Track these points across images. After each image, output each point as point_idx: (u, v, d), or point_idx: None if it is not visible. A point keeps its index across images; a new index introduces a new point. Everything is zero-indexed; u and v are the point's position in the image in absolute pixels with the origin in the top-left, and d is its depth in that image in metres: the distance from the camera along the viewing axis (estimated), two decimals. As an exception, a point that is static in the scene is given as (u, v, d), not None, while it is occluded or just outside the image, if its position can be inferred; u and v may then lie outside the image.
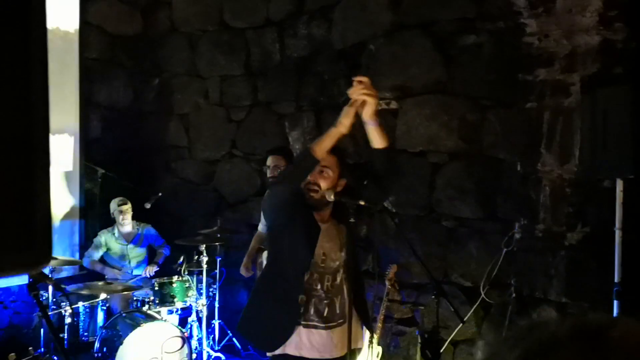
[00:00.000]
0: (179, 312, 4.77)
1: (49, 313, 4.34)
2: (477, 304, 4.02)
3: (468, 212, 4.32)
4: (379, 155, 2.55)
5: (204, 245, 4.72)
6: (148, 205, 5.33)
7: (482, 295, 3.99)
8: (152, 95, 6.26)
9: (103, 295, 4.47)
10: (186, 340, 4.33)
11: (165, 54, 6.19)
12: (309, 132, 5.20)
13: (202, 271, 4.73)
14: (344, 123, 2.41)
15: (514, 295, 3.91)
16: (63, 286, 4.73)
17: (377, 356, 4.11)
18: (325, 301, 2.62)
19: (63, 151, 5.56)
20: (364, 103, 2.43)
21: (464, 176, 4.37)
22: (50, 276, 2.27)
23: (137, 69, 6.18)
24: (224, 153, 5.87)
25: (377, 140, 2.51)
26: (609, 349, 0.54)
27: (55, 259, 4.52)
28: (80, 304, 4.46)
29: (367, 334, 3.19)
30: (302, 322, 2.59)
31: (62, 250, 5.39)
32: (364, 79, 2.42)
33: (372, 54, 4.81)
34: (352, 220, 2.44)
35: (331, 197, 2.53)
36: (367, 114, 2.45)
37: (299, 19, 5.32)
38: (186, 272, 4.76)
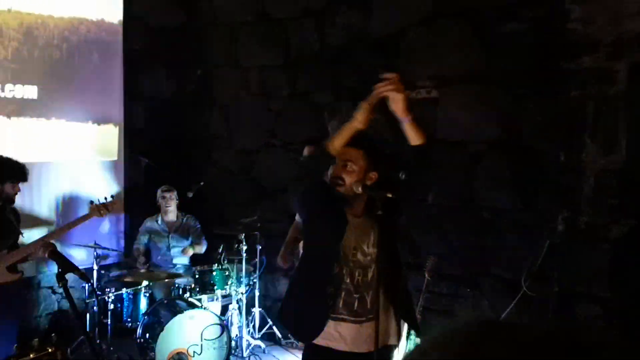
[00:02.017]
0: (220, 300, 4.85)
1: (93, 299, 4.50)
2: (518, 297, 3.95)
3: (507, 203, 4.25)
4: (415, 152, 2.53)
5: (244, 234, 4.78)
6: (190, 194, 5.42)
7: (524, 288, 3.91)
8: (193, 86, 6.34)
9: (145, 282, 4.58)
10: (225, 327, 4.40)
11: (207, 45, 6.26)
12: (347, 121, 5.18)
13: (241, 260, 4.79)
14: (358, 118, 2.41)
15: (556, 289, 3.83)
16: (105, 272, 4.86)
17: (416, 347, 4.10)
18: (355, 295, 2.61)
19: (108, 141, 5.70)
20: (397, 100, 2.41)
21: (504, 167, 4.29)
22: (79, 267, 2.31)
23: (179, 60, 6.27)
24: (263, 142, 5.91)
25: (412, 137, 2.49)
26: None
27: (100, 246, 4.66)
28: (123, 290, 4.58)
29: (405, 328, 3.18)
30: (332, 315, 2.60)
31: (108, 238, 5.54)
32: (392, 75, 2.40)
33: (411, 42, 4.75)
34: (379, 212, 2.41)
35: (359, 190, 2.52)
36: (398, 111, 2.43)
37: (337, 8, 5.29)
38: (226, 261, 4.83)
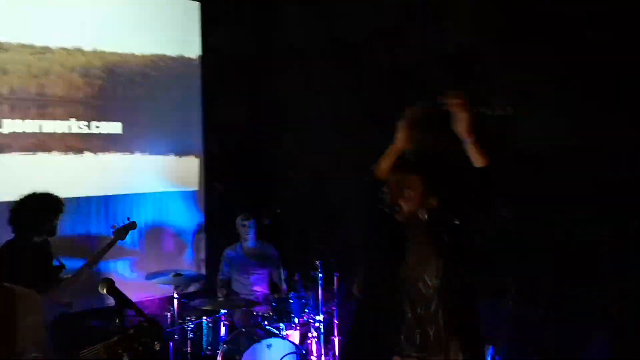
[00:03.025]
0: (299, 328, 4.80)
1: (174, 328, 4.58)
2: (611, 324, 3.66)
3: (598, 222, 3.97)
4: (479, 175, 2.42)
5: (320, 261, 4.73)
6: (267, 222, 5.45)
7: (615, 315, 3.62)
8: (266, 113, 6.42)
9: (223, 311, 4.62)
10: (303, 356, 4.35)
11: (279, 72, 6.33)
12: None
13: (318, 287, 4.73)
14: (399, 138, 2.38)
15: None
16: (186, 300, 4.94)
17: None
18: (417, 329, 2.49)
19: (189, 172, 5.85)
20: (461, 119, 2.35)
21: (592, 184, 4.03)
22: (135, 303, 2.32)
23: (253, 89, 6.37)
24: (337, 166, 5.87)
25: (476, 159, 2.40)
26: None
27: (181, 275, 4.74)
28: (203, 319, 4.64)
29: None
30: (396, 349, 2.49)
31: (190, 266, 5.66)
32: (458, 93, 2.33)
33: (485, 58, 4.59)
34: (445, 239, 2.30)
35: (424, 217, 2.42)
36: (462, 131, 2.35)
37: (408, 27, 5.21)
38: (303, 288, 4.80)
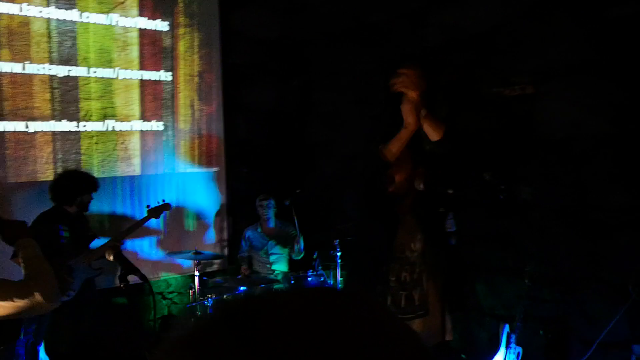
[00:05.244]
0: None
1: (194, 303, 4.66)
2: (628, 303, 3.60)
3: (619, 202, 3.89)
4: (437, 148, 2.45)
5: (337, 240, 4.74)
6: (287, 202, 5.48)
7: (632, 294, 3.56)
8: (293, 95, 6.44)
9: (243, 288, 4.68)
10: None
11: (305, 54, 6.34)
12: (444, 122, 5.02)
13: (336, 266, 4.76)
14: (409, 121, 2.40)
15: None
16: (208, 279, 5.02)
17: (518, 357, 3.86)
18: (402, 292, 2.51)
19: (211, 152, 5.91)
20: (410, 96, 2.37)
21: (615, 163, 3.94)
22: (140, 270, 2.38)
23: (279, 71, 6.40)
24: (363, 148, 5.87)
25: (429, 132, 2.44)
26: (257, 328, 0.51)
27: (201, 253, 4.84)
28: (223, 296, 4.71)
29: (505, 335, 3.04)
30: None
31: (212, 245, 5.75)
32: (407, 70, 2.34)
33: (507, 37, 4.52)
34: (441, 209, 2.31)
35: (420, 187, 2.43)
36: (409, 108, 2.38)
37: (431, 7, 5.16)
38: (320, 267, 4.83)
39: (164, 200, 4.77)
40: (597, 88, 4.03)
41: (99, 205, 5.04)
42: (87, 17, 5.10)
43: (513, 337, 3.69)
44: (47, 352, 4.05)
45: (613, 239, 3.86)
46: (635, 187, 3.80)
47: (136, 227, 4.52)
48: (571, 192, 4.14)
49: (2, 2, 4.67)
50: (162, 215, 5.01)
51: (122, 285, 2.31)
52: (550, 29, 4.27)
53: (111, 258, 2.35)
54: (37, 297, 1.73)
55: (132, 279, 2.46)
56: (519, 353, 3.82)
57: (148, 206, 4.69)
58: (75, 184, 4.26)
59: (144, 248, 5.36)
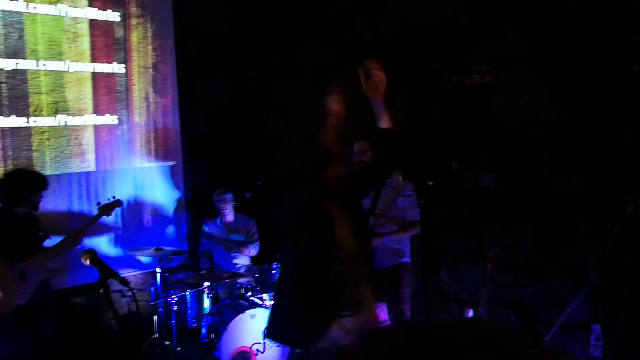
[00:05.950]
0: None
1: (158, 301, 4.58)
2: (588, 285, 3.71)
3: (576, 187, 4.01)
4: (390, 135, 2.50)
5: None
6: (248, 195, 5.42)
7: (594, 276, 3.67)
8: (251, 87, 6.37)
9: (207, 283, 4.62)
10: (287, 326, 4.36)
11: (261, 46, 6.28)
12: (404, 112, 5.05)
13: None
14: (335, 109, 2.46)
15: (630, 276, 3.56)
16: (169, 275, 4.94)
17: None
18: (341, 290, 2.52)
19: (167, 146, 5.79)
20: (381, 82, 2.43)
21: (571, 149, 4.05)
22: (118, 273, 2.31)
23: (236, 63, 6.32)
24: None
25: (383, 120, 2.51)
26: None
27: (163, 250, 4.75)
28: (186, 292, 4.64)
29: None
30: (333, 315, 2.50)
31: (170, 241, 5.64)
32: (373, 60, 2.43)
33: (464, 27, 4.58)
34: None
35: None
36: (375, 95, 2.45)
37: (388, -2, 5.17)
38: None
39: (114, 197, 4.70)
40: (553, 76, 4.12)
41: (54, 203, 4.90)
42: (35, 7, 4.91)
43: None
44: (5, 360, 3.91)
45: (572, 222, 3.97)
46: (592, 172, 3.91)
47: (88, 226, 4.47)
48: (530, 178, 4.24)
49: (-56, -8, 4.43)
50: (117, 212, 4.91)
51: (101, 291, 2.23)
52: (506, 18, 4.34)
53: (87, 262, 2.27)
54: None
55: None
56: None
57: (99, 203, 4.63)
58: (23, 184, 4.10)
59: (101, 246, 5.22)
